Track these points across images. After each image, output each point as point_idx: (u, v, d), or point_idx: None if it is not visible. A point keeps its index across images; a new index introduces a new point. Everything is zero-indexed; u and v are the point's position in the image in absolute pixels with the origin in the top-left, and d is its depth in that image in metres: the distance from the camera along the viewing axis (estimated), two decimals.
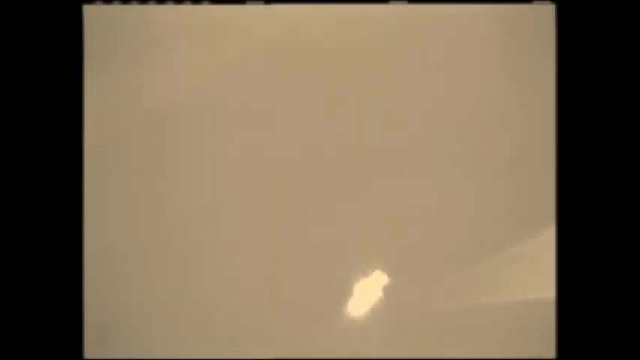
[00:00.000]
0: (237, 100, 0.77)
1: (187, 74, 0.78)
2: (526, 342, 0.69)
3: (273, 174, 0.74)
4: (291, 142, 0.75)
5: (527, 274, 0.71)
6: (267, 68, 0.77)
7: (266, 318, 0.70)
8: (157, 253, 0.72)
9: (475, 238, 0.72)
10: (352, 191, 0.74)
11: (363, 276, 0.72)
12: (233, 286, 0.71)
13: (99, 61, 0.77)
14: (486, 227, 0.72)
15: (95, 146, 0.75)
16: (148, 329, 0.70)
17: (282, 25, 0.78)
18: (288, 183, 0.74)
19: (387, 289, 0.71)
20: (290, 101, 0.77)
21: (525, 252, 0.71)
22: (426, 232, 0.72)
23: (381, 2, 0.78)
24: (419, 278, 0.71)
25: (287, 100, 0.77)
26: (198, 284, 0.71)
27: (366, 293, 0.71)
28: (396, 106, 0.76)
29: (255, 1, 0.78)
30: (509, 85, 0.76)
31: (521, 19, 0.77)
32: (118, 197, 0.74)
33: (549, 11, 0.76)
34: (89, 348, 0.69)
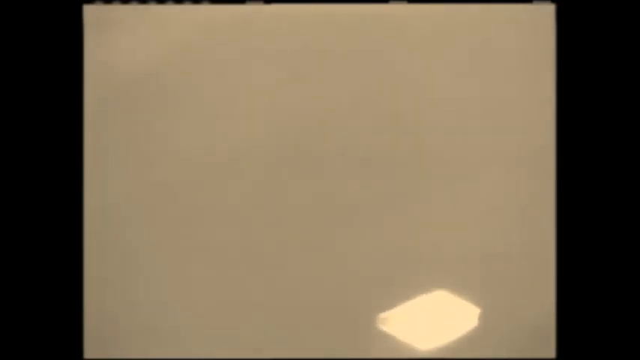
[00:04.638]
0: (238, 100, 0.77)
1: (188, 74, 0.78)
2: (526, 342, 0.69)
3: (275, 173, 0.74)
4: (291, 141, 0.75)
5: (527, 273, 0.71)
6: (268, 68, 0.78)
7: (267, 318, 0.70)
8: (157, 254, 0.72)
9: (474, 238, 0.72)
10: (352, 191, 0.74)
11: (362, 277, 0.72)
12: (235, 286, 0.71)
13: (99, 61, 0.77)
14: (485, 228, 0.72)
15: (95, 147, 0.75)
16: (149, 329, 0.70)
17: (282, 25, 0.78)
18: (290, 182, 0.74)
19: (385, 290, 0.71)
20: (290, 101, 0.77)
21: (525, 252, 0.71)
22: (425, 233, 0.72)
23: (380, 2, 0.78)
24: (418, 279, 0.71)
25: (287, 99, 0.77)
26: (199, 284, 0.71)
27: (366, 293, 0.71)
28: (393, 107, 0.76)
29: (255, 1, 0.78)
30: (509, 85, 0.76)
31: (521, 19, 0.77)
32: (119, 197, 0.74)
33: (549, 11, 0.76)
34: (89, 348, 0.69)
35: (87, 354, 0.69)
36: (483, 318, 0.70)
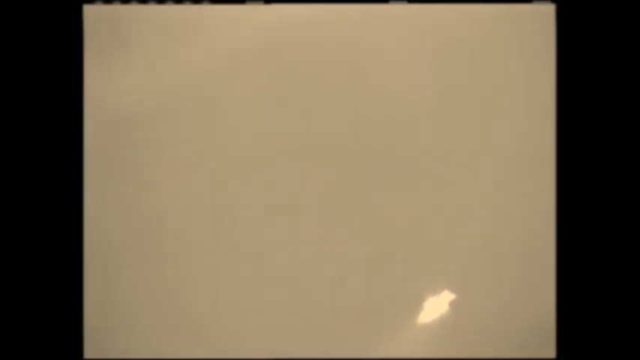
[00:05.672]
0: (238, 100, 0.77)
1: (188, 74, 0.78)
2: (526, 342, 0.69)
3: (275, 174, 0.74)
4: (291, 141, 0.75)
5: (527, 273, 0.71)
6: (268, 68, 0.78)
7: (268, 319, 0.70)
8: (158, 254, 0.72)
9: (474, 239, 0.72)
10: (352, 191, 0.74)
11: (362, 275, 0.72)
12: (235, 287, 0.71)
13: (99, 61, 0.77)
14: (485, 228, 0.72)
15: (95, 146, 0.75)
16: (148, 329, 0.70)
17: (282, 25, 0.78)
18: (291, 182, 0.74)
19: (383, 289, 0.71)
20: (290, 100, 0.77)
21: (525, 252, 0.71)
22: (425, 234, 0.72)
23: (380, 2, 0.78)
24: (416, 278, 0.71)
25: (287, 99, 0.77)
26: (200, 284, 0.71)
27: (364, 292, 0.71)
28: (393, 106, 0.76)
29: (255, 1, 0.78)
30: (509, 85, 0.76)
31: (521, 19, 0.77)
32: (119, 197, 0.74)
33: (549, 11, 0.76)
34: (89, 348, 0.69)
35: (87, 354, 0.69)
36: (483, 318, 0.70)
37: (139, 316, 0.71)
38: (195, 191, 0.74)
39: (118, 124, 0.76)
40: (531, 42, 0.76)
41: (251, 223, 0.73)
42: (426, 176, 0.74)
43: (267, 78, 0.77)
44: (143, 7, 0.77)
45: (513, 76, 0.76)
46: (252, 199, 0.74)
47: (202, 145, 0.76)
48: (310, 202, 0.74)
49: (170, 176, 0.75)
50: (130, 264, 0.72)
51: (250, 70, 0.78)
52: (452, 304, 0.70)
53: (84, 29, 0.71)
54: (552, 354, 0.67)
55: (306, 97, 0.77)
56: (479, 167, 0.74)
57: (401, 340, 0.70)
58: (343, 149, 0.75)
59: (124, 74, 0.77)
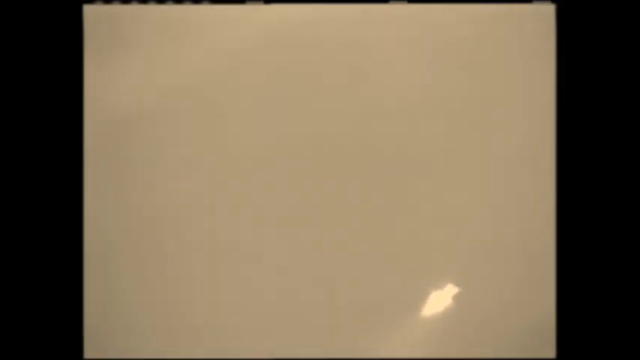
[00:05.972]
0: (238, 100, 0.77)
1: (188, 74, 0.78)
2: (526, 342, 0.69)
3: (275, 174, 0.74)
4: (291, 141, 0.75)
5: (527, 273, 0.71)
6: (268, 68, 0.78)
7: (268, 319, 0.70)
8: (158, 254, 0.72)
9: (474, 239, 0.72)
10: (354, 192, 0.74)
11: (362, 276, 0.72)
12: (236, 287, 0.71)
13: (99, 61, 0.77)
14: (485, 227, 0.72)
15: (95, 146, 0.75)
16: (148, 329, 0.70)
17: (282, 25, 0.78)
18: (291, 182, 0.74)
19: (383, 289, 0.71)
20: (290, 100, 0.77)
21: (525, 252, 0.71)
22: (425, 234, 0.72)
23: (380, 2, 0.78)
24: (416, 278, 0.71)
25: (287, 99, 0.77)
26: (200, 284, 0.71)
27: (364, 292, 0.71)
28: (394, 107, 0.76)
29: (255, 1, 0.78)
30: (509, 85, 0.76)
31: (521, 19, 0.77)
32: (119, 197, 0.74)
33: (549, 11, 0.76)
34: (89, 348, 0.69)
35: (87, 354, 0.69)
36: (484, 318, 0.70)
37: (139, 316, 0.71)
38: (195, 191, 0.74)
39: (118, 124, 0.76)
40: (531, 42, 0.76)
41: (251, 223, 0.73)
42: (427, 176, 0.74)
43: (267, 78, 0.77)
44: (143, 7, 0.77)
45: (513, 76, 0.76)
46: (252, 199, 0.74)
47: (202, 145, 0.76)
48: (310, 201, 0.74)
49: (170, 176, 0.75)
50: (130, 264, 0.72)
51: (250, 70, 0.78)
52: (452, 304, 0.70)
53: (84, 29, 0.71)
54: (552, 354, 0.67)
55: (306, 97, 0.77)
56: (479, 167, 0.74)
57: (401, 340, 0.70)
58: (343, 149, 0.75)
59: (124, 74, 0.77)
